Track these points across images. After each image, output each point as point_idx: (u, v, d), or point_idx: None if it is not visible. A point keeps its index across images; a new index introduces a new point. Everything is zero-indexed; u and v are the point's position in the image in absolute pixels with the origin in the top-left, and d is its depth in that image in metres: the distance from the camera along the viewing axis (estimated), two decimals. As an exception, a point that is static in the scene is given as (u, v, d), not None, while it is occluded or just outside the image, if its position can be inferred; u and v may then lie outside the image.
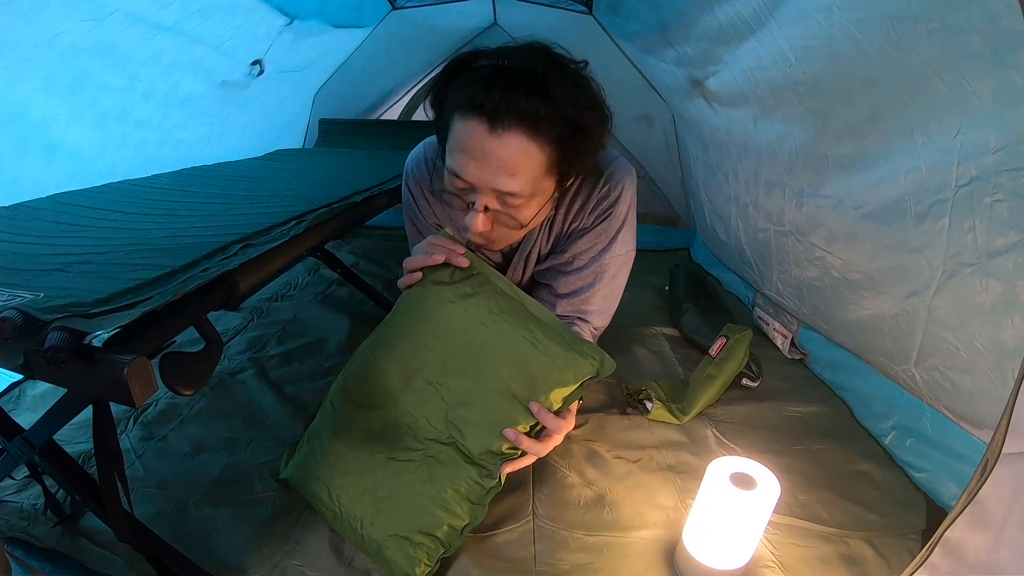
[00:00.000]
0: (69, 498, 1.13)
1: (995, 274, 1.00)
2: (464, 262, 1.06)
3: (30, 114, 1.45)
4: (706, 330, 1.78)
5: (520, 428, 1.02)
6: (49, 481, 1.09)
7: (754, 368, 1.57)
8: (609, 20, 2.39)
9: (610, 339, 1.80)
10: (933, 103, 1.03)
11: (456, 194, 1.07)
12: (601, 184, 1.22)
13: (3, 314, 0.61)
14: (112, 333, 0.72)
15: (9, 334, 0.61)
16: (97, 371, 0.64)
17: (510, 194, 1.02)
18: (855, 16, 1.08)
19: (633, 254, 1.31)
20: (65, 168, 1.58)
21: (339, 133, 2.70)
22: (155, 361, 0.71)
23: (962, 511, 0.77)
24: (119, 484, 0.90)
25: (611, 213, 1.23)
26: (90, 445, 1.24)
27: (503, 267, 1.38)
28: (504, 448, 1.02)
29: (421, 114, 3.38)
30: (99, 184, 1.48)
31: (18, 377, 1.50)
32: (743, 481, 0.98)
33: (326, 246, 1.93)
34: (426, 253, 1.07)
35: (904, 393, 1.32)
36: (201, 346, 0.83)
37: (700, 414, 1.46)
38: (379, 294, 1.99)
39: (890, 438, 1.35)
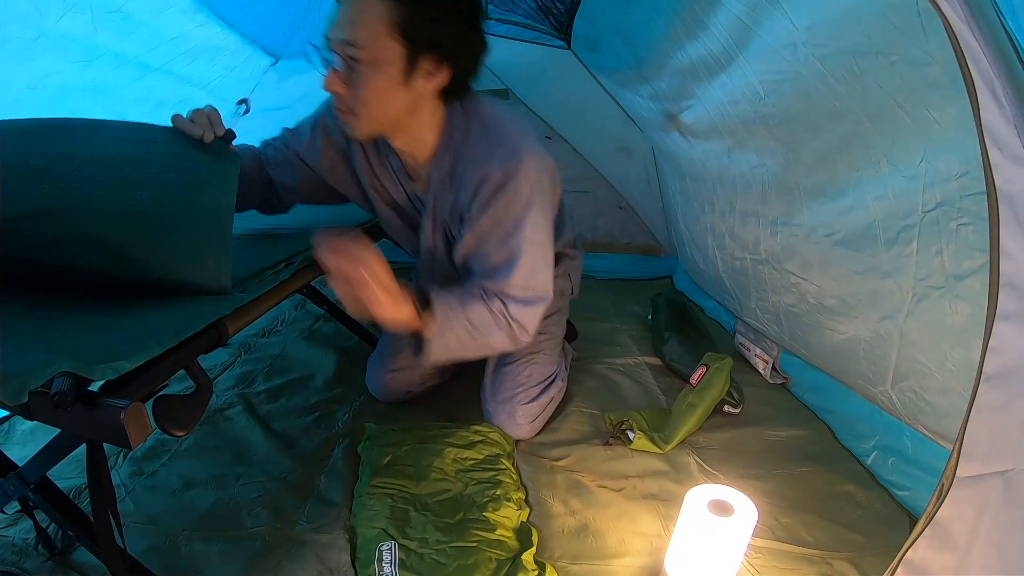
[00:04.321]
0: (60, 533, 1.12)
1: (963, 296, 1.04)
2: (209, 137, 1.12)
3: (21, 152, 1.47)
4: (688, 359, 1.80)
5: None
6: (40, 516, 1.09)
7: (735, 395, 1.59)
8: (587, 56, 2.45)
9: (593, 370, 1.83)
10: (898, 132, 1.07)
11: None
12: (502, 153, 1.21)
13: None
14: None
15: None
16: (95, 415, 0.67)
17: (350, 43, 1.08)
18: (819, 51, 1.13)
19: (548, 240, 1.30)
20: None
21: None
22: (148, 404, 0.73)
23: (920, 533, 0.79)
24: (112, 520, 0.91)
25: (510, 190, 1.21)
26: (82, 480, 1.26)
27: (415, 227, 1.43)
28: None
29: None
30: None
31: (5, 412, 1.49)
32: (721, 508, 1.00)
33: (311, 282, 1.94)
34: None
35: (884, 413, 1.35)
36: (191, 388, 0.85)
37: (682, 442, 1.47)
38: (365, 330, 1.99)
39: (872, 458, 1.37)
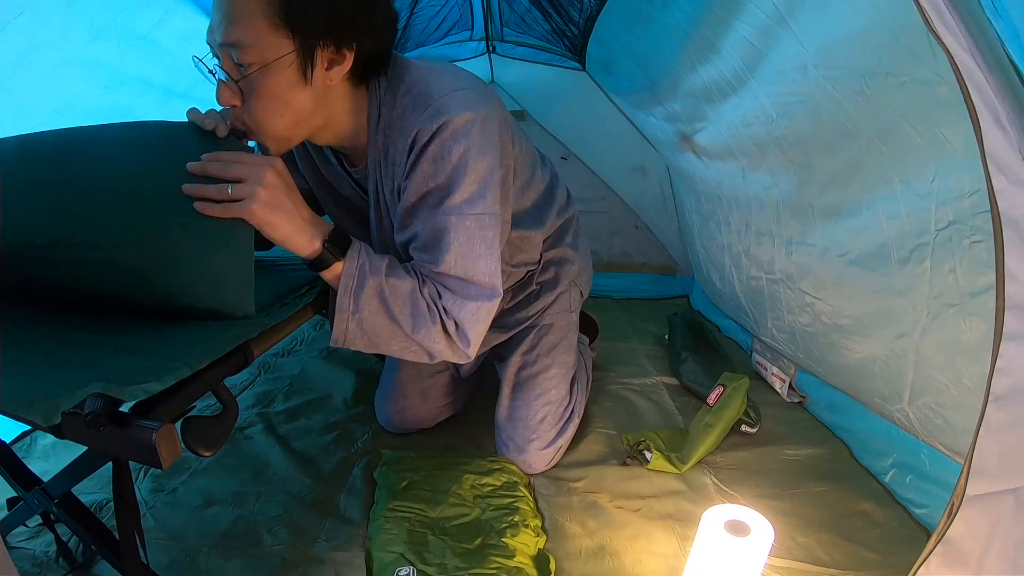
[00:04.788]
0: (80, 546, 1.15)
1: (977, 313, 1.03)
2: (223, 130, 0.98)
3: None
4: (705, 379, 1.80)
5: None
6: (61, 529, 1.11)
7: (752, 414, 1.59)
8: (601, 77, 2.48)
9: (610, 390, 1.83)
10: (909, 152, 1.08)
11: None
12: (428, 113, 1.04)
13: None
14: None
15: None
16: (128, 435, 0.70)
17: (234, 45, 0.93)
18: (829, 73, 1.14)
19: (490, 219, 1.09)
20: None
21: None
22: (177, 425, 0.75)
23: (931, 551, 0.79)
24: (137, 536, 0.93)
25: (434, 153, 1.04)
26: (101, 496, 1.30)
27: (366, 214, 1.26)
28: None
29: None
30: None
31: (28, 427, 1.53)
32: (737, 528, 1.00)
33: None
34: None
35: (901, 431, 1.34)
36: (212, 405, 0.87)
37: (699, 462, 1.47)
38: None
39: (890, 476, 1.36)
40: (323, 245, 0.99)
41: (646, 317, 2.46)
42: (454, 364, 1.57)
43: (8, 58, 1.29)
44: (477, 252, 1.06)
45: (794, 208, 1.51)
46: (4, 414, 0.67)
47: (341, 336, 1.04)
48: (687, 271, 2.79)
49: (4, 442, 1.09)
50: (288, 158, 1.29)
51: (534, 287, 1.54)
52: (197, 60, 0.98)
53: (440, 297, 1.05)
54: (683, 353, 1.95)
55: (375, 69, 1.07)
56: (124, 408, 0.72)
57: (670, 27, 1.59)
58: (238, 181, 0.90)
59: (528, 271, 1.51)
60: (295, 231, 0.96)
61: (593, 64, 2.43)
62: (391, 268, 1.04)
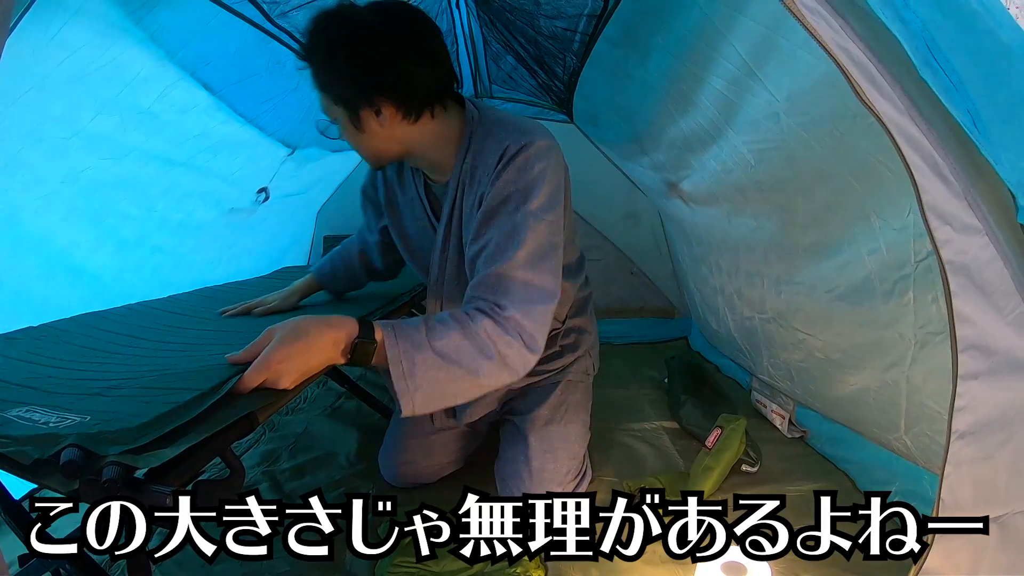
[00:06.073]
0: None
1: (962, 340, 1.06)
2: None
3: (55, 242, 1.56)
4: (704, 421, 1.80)
5: None
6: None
7: (752, 454, 1.60)
8: (589, 129, 2.55)
9: (611, 438, 1.83)
10: (883, 187, 1.12)
11: None
12: (516, 132, 1.20)
13: (67, 457, 0.70)
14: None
15: (76, 473, 0.70)
16: (144, 500, 0.73)
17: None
18: (800, 119, 1.19)
19: (558, 226, 1.21)
20: (87, 290, 1.68)
21: (343, 248, 2.80)
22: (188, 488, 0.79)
23: None
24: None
25: (520, 163, 1.17)
26: None
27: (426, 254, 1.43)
28: None
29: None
30: (120, 304, 1.55)
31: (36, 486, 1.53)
32: (733, 569, 1.01)
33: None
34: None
35: (902, 460, 1.35)
36: (226, 472, 0.90)
37: (701, 504, 1.47)
38: (386, 407, 2.02)
39: (893, 505, 1.37)
40: (348, 358, 1.02)
41: (645, 362, 2.47)
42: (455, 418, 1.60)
43: (19, 131, 1.35)
44: (545, 251, 1.16)
45: (780, 248, 1.55)
46: (23, 477, 0.70)
47: (410, 411, 1.06)
48: (684, 312, 2.82)
49: (16, 500, 1.10)
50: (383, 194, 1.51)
51: (556, 348, 1.59)
52: (322, 120, 1.27)
53: (503, 309, 1.09)
54: (682, 396, 1.96)
55: (425, 103, 1.22)
56: (138, 474, 0.75)
57: (648, 83, 1.65)
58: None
59: (553, 329, 1.53)
60: (319, 360, 1.00)
61: (580, 117, 2.50)
62: (431, 332, 1.05)
